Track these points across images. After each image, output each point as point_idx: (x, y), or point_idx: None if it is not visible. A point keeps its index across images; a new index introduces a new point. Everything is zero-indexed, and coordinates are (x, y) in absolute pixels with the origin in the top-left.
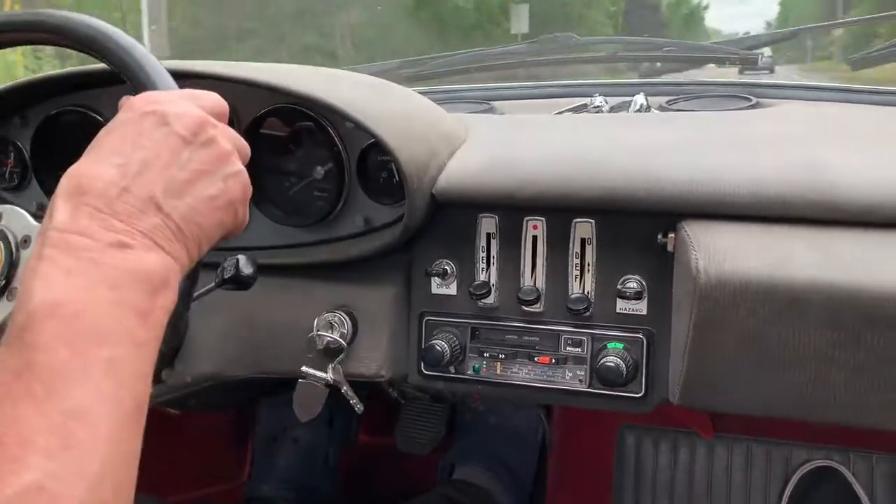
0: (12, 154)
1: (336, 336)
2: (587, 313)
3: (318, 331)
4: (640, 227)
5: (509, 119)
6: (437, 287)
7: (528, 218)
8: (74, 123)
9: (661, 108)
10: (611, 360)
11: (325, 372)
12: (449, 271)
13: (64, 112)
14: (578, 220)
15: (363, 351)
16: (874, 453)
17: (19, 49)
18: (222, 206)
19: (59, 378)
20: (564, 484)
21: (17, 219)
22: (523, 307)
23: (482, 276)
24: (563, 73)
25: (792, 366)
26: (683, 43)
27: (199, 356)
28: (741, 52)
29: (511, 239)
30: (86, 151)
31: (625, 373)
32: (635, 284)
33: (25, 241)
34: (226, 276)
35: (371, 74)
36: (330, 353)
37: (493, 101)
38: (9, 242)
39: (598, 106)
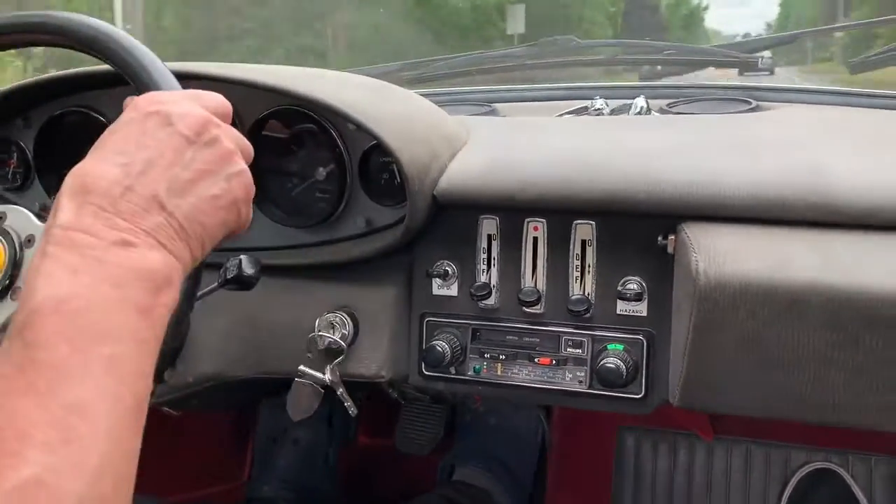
0: (15, 154)
1: (337, 337)
2: (587, 315)
3: (319, 331)
4: (640, 229)
5: (510, 121)
6: (438, 288)
7: (528, 219)
8: (77, 124)
9: (662, 111)
10: (611, 362)
11: (323, 373)
12: (450, 272)
13: (67, 113)
14: (579, 221)
15: (364, 351)
16: (873, 455)
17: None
18: (225, 205)
19: (60, 374)
20: (564, 485)
21: (21, 218)
22: (524, 308)
23: (483, 278)
24: (563, 76)
25: (791, 367)
26: (684, 46)
27: (201, 356)
28: (741, 55)
29: (512, 240)
30: (90, 151)
31: (625, 374)
32: (635, 286)
33: (29, 241)
34: (228, 277)
35: (372, 76)
36: (330, 354)
37: (495, 103)
38: (12, 242)
39: (598, 108)
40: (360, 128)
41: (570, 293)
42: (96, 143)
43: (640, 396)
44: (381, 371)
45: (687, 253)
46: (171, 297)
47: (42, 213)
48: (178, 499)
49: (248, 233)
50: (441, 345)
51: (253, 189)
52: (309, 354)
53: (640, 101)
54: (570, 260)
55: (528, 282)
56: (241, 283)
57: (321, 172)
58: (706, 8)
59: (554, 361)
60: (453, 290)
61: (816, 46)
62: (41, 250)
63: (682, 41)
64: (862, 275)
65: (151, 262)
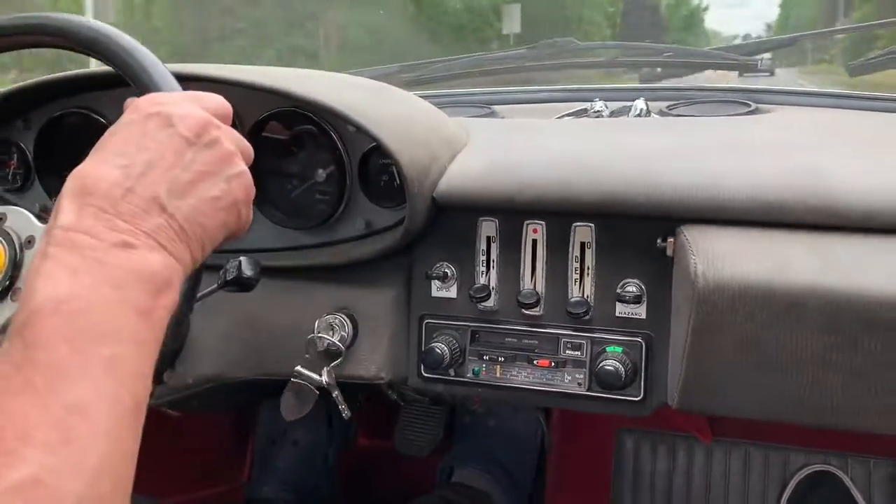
0: (15, 156)
1: (336, 339)
2: (586, 317)
3: (318, 332)
4: (639, 232)
5: (510, 123)
6: (437, 290)
7: (528, 222)
8: (77, 126)
9: (661, 113)
10: (610, 364)
11: (320, 375)
12: (449, 274)
13: (67, 114)
14: (578, 224)
15: (363, 353)
16: (871, 458)
17: None
18: (225, 206)
19: (60, 374)
20: (563, 487)
21: (21, 220)
22: (523, 310)
23: (482, 280)
24: (563, 78)
25: (790, 370)
26: (683, 48)
27: (200, 358)
28: (741, 58)
29: (511, 242)
30: (91, 152)
31: (624, 376)
32: (634, 288)
33: (29, 242)
34: (228, 278)
35: (372, 78)
36: (328, 357)
37: (494, 105)
38: (13, 243)
39: (598, 111)
40: (360, 129)
41: (570, 295)
42: (97, 145)
43: (638, 399)
44: (380, 372)
45: (686, 255)
46: (170, 299)
47: (42, 215)
48: (178, 500)
49: (247, 234)
50: (440, 347)
51: (253, 190)
52: (307, 355)
53: (640, 104)
54: (570, 262)
55: (527, 284)
56: (241, 284)
57: (321, 174)
58: (706, 9)
59: (553, 363)
60: (452, 292)
61: (816, 48)
62: (42, 251)
63: (682, 42)
64: (861, 277)
65: (152, 264)
